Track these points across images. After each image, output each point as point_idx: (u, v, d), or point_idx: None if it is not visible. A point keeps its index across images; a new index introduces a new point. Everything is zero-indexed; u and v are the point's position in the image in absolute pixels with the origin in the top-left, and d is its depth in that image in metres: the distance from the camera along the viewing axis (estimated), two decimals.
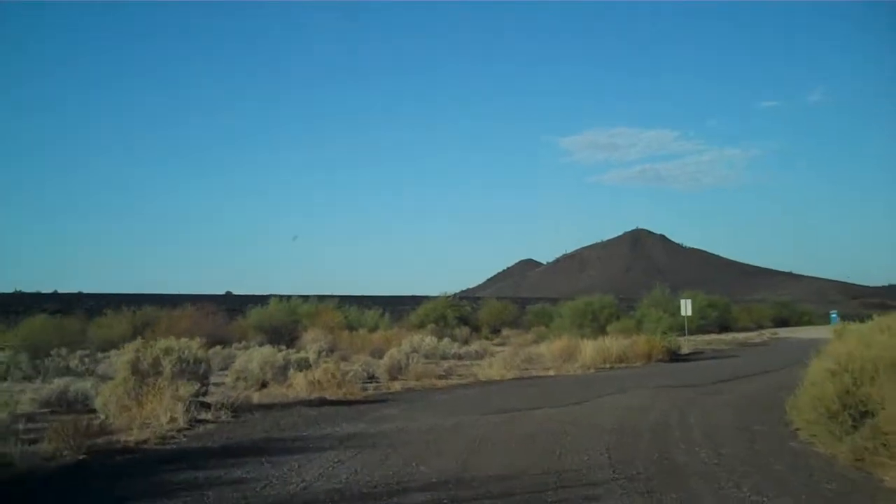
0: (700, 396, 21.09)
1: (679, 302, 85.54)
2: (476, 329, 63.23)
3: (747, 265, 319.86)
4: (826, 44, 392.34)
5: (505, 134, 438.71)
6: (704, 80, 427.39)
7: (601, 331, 45.47)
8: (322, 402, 20.28)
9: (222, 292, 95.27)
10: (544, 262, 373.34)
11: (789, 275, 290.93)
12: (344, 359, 31.66)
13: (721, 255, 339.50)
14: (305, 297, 58.21)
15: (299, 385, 21.96)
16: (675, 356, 37.31)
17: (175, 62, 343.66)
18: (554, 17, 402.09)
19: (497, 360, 31.73)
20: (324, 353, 31.70)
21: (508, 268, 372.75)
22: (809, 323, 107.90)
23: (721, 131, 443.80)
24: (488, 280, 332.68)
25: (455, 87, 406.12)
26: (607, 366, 32.97)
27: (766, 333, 62.85)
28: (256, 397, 21.11)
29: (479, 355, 38.85)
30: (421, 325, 57.48)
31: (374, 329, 51.32)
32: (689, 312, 44.40)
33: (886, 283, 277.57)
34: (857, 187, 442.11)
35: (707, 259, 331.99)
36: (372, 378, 27.16)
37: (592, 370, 31.33)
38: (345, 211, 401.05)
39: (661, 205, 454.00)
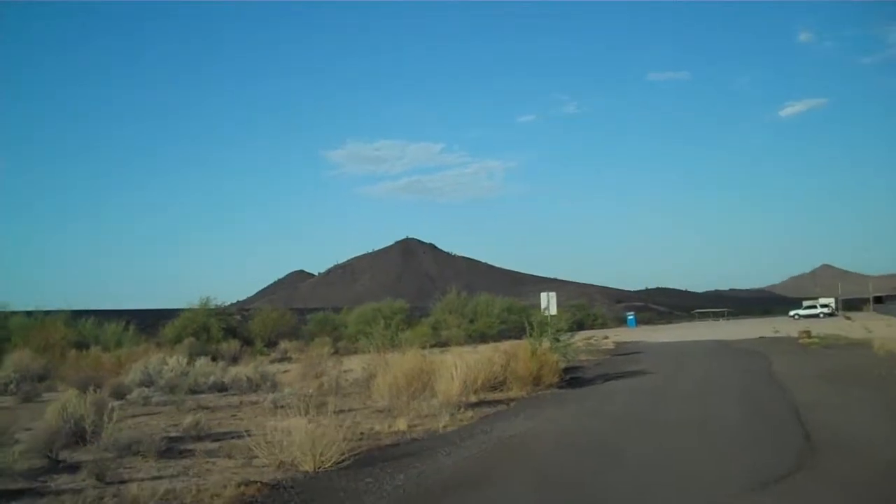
0: None
1: (481, 302, 75.73)
2: (248, 342, 51.59)
3: (515, 272, 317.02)
4: (578, 62, 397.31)
5: (274, 147, 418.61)
6: (467, 94, 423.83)
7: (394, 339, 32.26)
8: None
9: None
10: (316, 273, 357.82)
11: (555, 280, 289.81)
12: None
13: (489, 262, 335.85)
14: (29, 312, 45.23)
15: None
16: (570, 379, 23.39)
17: None
18: (316, 32, 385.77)
19: (290, 395, 18.29)
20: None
21: (279, 279, 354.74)
22: (604, 326, 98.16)
23: (483, 143, 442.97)
24: (259, 292, 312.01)
25: (221, 97, 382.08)
26: (474, 399, 18.85)
27: (597, 338, 50.82)
28: None
29: (254, 385, 23.40)
30: (178, 340, 45.75)
31: (116, 347, 39.67)
32: (554, 310, 30.11)
33: (644, 287, 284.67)
34: (616, 196, 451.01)
35: (476, 266, 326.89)
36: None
37: (467, 414, 16.74)
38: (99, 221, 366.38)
39: (429, 215, 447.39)
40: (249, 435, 12.20)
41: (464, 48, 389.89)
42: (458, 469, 11.06)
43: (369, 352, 24.67)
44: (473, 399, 18.82)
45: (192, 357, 29.48)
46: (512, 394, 20.32)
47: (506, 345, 27.31)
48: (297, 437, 11.27)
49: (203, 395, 22.44)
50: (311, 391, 22.64)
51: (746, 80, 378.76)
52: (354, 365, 26.53)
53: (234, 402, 20.77)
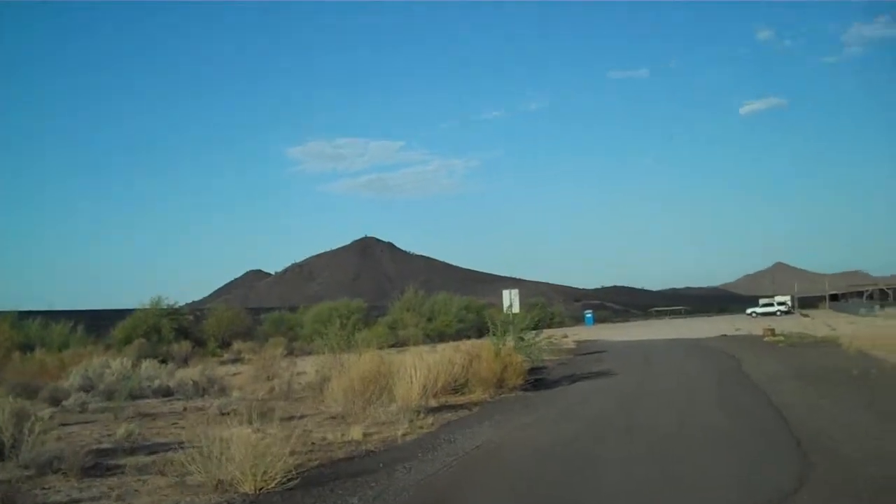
0: None
1: (433, 301, 74.47)
2: (201, 343, 50.18)
3: (473, 271, 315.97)
4: (547, 54, 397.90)
5: (232, 143, 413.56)
6: (429, 91, 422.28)
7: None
8: None
9: None
10: (273, 272, 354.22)
11: (512, 279, 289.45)
12: None
13: (448, 261, 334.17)
14: None
15: None
16: (535, 380, 22.23)
17: None
18: (277, 29, 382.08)
19: (238, 401, 17.34)
20: None
21: (236, 279, 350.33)
22: (562, 324, 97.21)
23: (445, 141, 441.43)
24: (214, 292, 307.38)
25: (176, 93, 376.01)
26: (435, 403, 17.59)
27: (557, 336, 49.49)
28: None
29: (201, 389, 21.97)
30: (128, 341, 44.14)
31: (61, 349, 37.00)
32: (517, 308, 28.89)
33: (601, 286, 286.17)
34: (572, 195, 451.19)
35: (434, 266, 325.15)
36: None
37: (428, 420, 15.46)
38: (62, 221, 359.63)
39: (388, 213, 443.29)
40: (187, 447, 10.80)
41: (424, 45, 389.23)
42: (421, 489, 9.77)
43: (323, 353, 23.29)
44: (434, 403, 17.62)
45: (139, 359, 27.97)
46: (475, 397, 19.14)
47: (466, 344, 26.18)
48: (238, 451, 9.92)
49: (146, 401, 21.02)
50: (261, 395, 21.38)
51: (706, 78, 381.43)
52: (309, 367, 25.17)
53: (178, 408, 19.32)
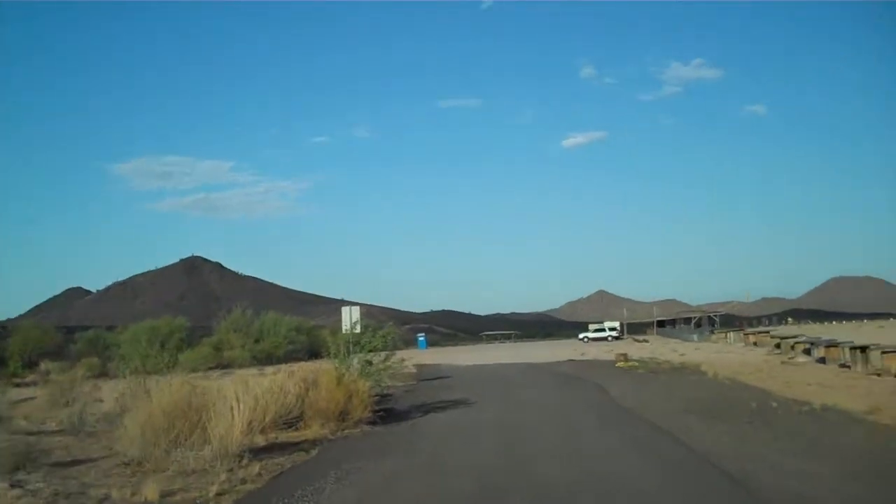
0: None
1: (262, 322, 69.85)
2: (2, 362, 48.43)
3: (304, 293, 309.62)
4: (377, 81, 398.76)
5: (52, 156, 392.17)
6: (259, 113, 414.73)
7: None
8: None
9: None
10: (94, 290, 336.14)
11: (342, 301, 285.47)
12: None
13: (279, 283, 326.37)
14: None
15: None
16: (382, 411, 18.24)
17: None
18: (109, 42, 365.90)
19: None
20: None
21: (54, 296, 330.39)
22: (395, 347, 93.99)
23: (275, 163, 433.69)
24: (30, 310, 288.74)
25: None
26: (262, 441, 13.99)
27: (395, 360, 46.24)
28: None
29: None
30: None
31: None
32: (359, 328, 25.09)
33: (430, 310, 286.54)
34: (403, 219, 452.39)
35: (263, 287, 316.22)
36: None
37: (253, 469, 11.61)
38: None
39: (217, 233, 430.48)
40: None
41: (257, 69, 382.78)
42: None
43: (126, 376, 18.98)
44: (261, 441, 13.90)
45: None
46: (311, 433, 15.35)
47: (302, 368, 22.27)
48: None
49: None
50: (53, 427, 17.25)
51: (533, 110, 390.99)
52: (112, 393, 20.72)
53: None
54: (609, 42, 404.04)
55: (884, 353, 23.07)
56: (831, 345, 29.18)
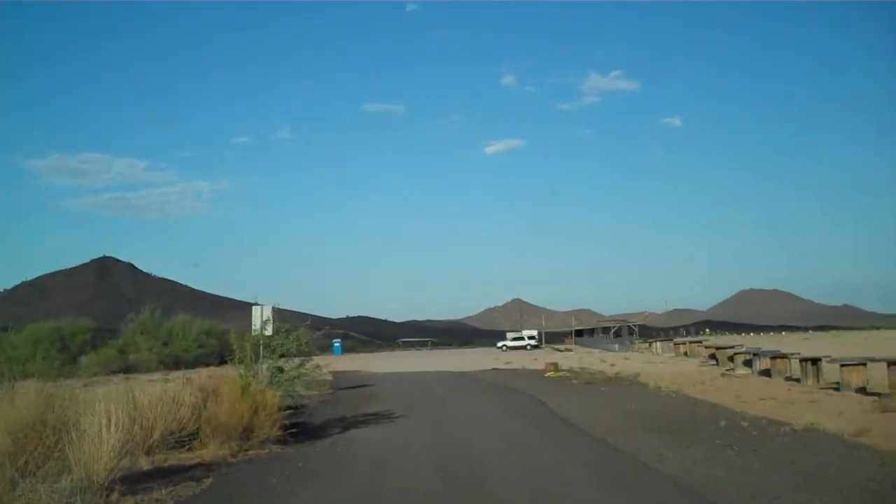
0: None
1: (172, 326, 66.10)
2: None
3: (217, 296, 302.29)
4: (299, 84, 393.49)
5: None
6: (177, 112, 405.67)
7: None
8: None
9: None
10: (0, 290, 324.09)
11: (256, 304, 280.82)
12: None
13: (194, 286, 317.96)
14: None
15: None
16: (294, 427, 15.38)
17: None
18: (27, 35, 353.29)
19: None
20: None
21: None
22: (309, 353, 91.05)
23: (191, 163, 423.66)
24: None
25: None
26: (146, 465, 11.25)
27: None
28: None
29: None
30: None
31: None
32: (271, 329, 22.08)
33: (345, 316, 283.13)
34: (322, 223, 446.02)
35: (177, 289, 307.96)
36: None
37: (111, 500, 8.84)
38: None
39: (130, 233, 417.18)
40: None
41: (174, 67, 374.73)
42: None
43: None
44: (145, 465, 11.13)
45: None
46: (208, 454, 12.51)
47: (204, 374, 19.37)
48: None
49: None
50: None
51: (458, 116, 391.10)
52: None
53: None
54: (531, 50, 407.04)
55: (843, 366, 21.17)
56: (777, 356, 27.39)
